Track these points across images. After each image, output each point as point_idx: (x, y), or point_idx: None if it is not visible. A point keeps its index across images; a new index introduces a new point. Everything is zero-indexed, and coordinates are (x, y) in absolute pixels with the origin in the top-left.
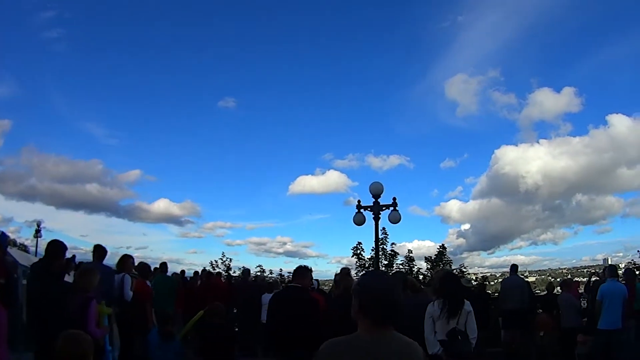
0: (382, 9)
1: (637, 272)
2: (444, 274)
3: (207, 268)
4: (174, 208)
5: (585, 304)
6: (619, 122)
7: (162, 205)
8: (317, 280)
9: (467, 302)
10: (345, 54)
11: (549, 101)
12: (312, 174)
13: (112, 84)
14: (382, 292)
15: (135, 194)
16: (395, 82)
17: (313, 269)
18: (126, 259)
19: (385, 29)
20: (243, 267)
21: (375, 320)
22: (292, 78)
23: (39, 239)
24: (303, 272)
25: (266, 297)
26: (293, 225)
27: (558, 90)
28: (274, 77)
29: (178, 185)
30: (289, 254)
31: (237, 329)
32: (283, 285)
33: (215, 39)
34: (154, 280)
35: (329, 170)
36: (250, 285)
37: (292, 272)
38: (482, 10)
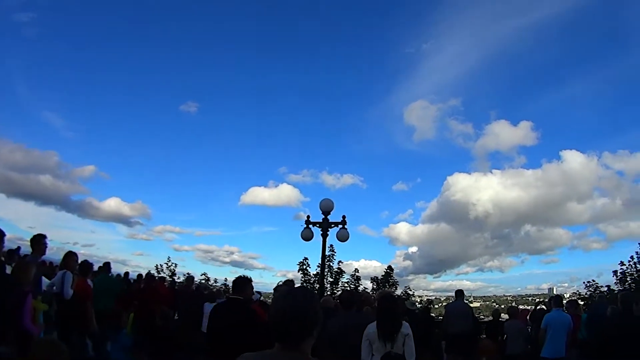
0: (350, 29)
1: (582, 303)
2: (382, 295)
3: (151, 272)
4: (124, 208)
5: (530, 332)
6: (572, 158)
7: (113, 203)
8: (259, 292)
9: (405, 325)
10: (309, 69)
11: (505, 133)
12: (265, 186)
13: (77, 76)
14: (284, 310)
15: (88, 190)
16: (356, 102)
17: (258, 281)
18: (70, 256)
19: (352, 48)
20: (188, 273)
21: (278, 338)
22: (255, 88)
23: None
24: (243, 283)
25: (208, 307)
26: (242, 236)
27: (515, 123)
28: (238, 85)
29: (131, 186)
30: (235, 263)
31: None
32: (226, 295)
33: (184, 41)
34: (95, 279)
35: (282, 183)
36: (192, 293)
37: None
38: (446, 40)
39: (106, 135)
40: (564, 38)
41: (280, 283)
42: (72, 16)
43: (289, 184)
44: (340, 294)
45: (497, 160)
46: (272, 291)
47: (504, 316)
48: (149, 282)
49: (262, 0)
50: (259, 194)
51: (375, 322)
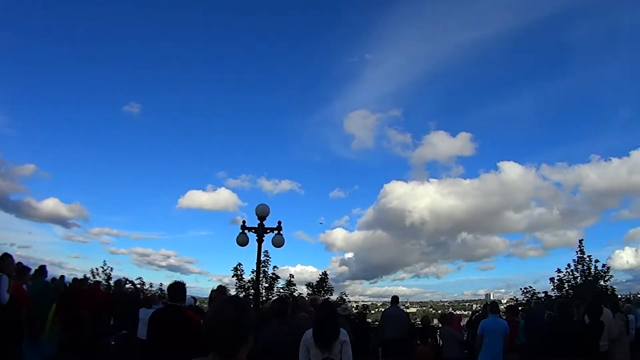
0: (295, 34)
1: (520, 309)
2: (320, 302)
3: (87, 275)
4: (62, 209)
5: (467, 338)
6: (510, 169)
7: (51, 204)
8: (194, 297)
9: (343, 332)
10: (251, 73)
11: (444, 143)
12: (203, 190)
13: (19, 73)
14: (218, 319)
15: (27, 189)
16: (297, 110)
17: (194, 286)
18: (5, 258)
19: (295, 54)
20: (125, 277)
21: (213, 347)
22: (198, 92)
23: None
24: (178, 290)
25: (143, 312)
26: (178, 239)
27: (454, 134)
28: (181, 88)
29: (70, 186)
30: (171, 268)
31: (113, 342)
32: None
33: (130, 41)
34: (32, 284)
35: (220, 187)
36: (128, 298)
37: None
38: (389, 51)
39: (48, 134)
40: (505, 54)
41: (214, 289)
42: (12, 12)
43: (227, 188)
44: (272, 304)
45: (435, 170)
46: (208, 297)
47: (437, 322)
48: (76, 287)
49: (206, 2)
50: (196, 198)
51: (311, 329)
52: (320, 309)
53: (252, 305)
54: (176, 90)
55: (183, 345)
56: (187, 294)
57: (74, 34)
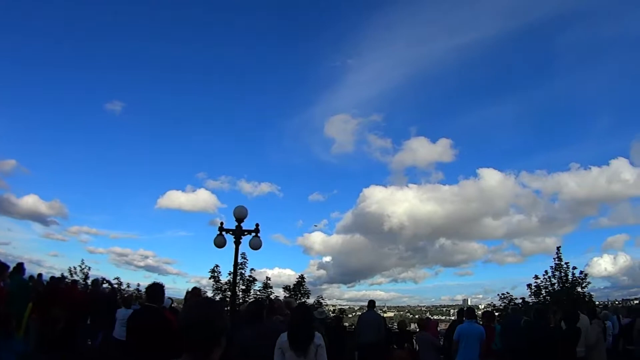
0: (279, 38)
1: (496, 314)
2: (295, 306)
3: (64, 274)
4: (42, 206)
5: (443, 343)
6: (490, 176)
7: (30, 201)
8: (171, 298)
9: (317, 335)
10: (234, 78)
11: (424, 149)
12: (183, 190)
13: (0, 69)
14: (191, 321)
15: (7, 185)
16: (278, 112)
17: (171, 287)
18: None
19: (279, 58)
20: (102, 277)
21: (186, 347)
22: (180, 92)
23: None
24: (157, 291)
25: (121, 312)
26: (157, 240)
27: (434, 140)
28: (164, 88)
29: (51, 183)
30: (149, 268)
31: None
32: (139, 302)
33: (113, 39)
34: (9, 281)
35: (200, 188)
36: (106, 297)
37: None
38: (372, 56)
39: (29, 130)
40: (487, 62)
41: (189, 290)
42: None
43: (207, 189)
44: (247, 306)
45: (414, 175)
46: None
47: (414, 326)
48: (53, 285)
49: (191, 3)
50: (176, 198)
51: (286, 332)
52: (295, 312)
53: (226, 308)
54: (158, 90)
55: (161, 346)
56: (165, 294)
57: (56, 30)
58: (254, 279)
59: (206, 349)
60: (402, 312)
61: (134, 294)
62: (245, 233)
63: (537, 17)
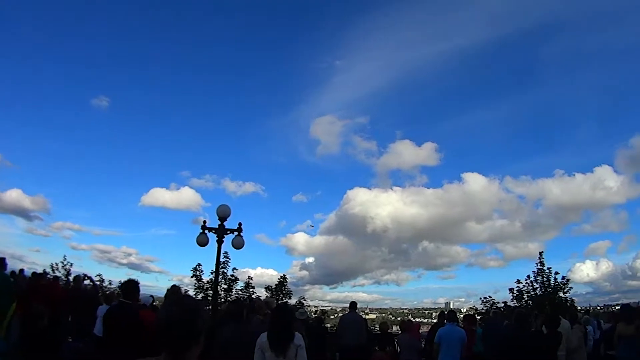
0: (266, 39)
1: (478, 318)
2: (275, 306)
3: (46, 270)
4: (25, 200)
5: (425, 346)
6: (474, 180)
7: (13, 195)
8: (152, 296)
9: (297, 336)
10: (221, 77)
11: (409, 152)
12: (167, 188)
13: None
14: (169, 319)
15: None
16: (264, 112)
17: (153, 285)
18: None
19: (266, 59)
20: (84, 274)
21: (164, 346)
22: (167, 90)
23: None
24: (130, 287)
25: (101, 309)
26: (140, 237)
27: (420, 144)
28: (150, 85)
29: (34, 177)
30: (132, 266)
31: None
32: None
33: (103, 33)
34: None
35: (184, 187)
36: (83, 294)
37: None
38: (359, 59)
39: (14, 123)
40: (474, 67)
41: (169, 288)
42: None
43: (191, 187)
44: (227, 306)
45: (398, 178)
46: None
47: (396, 329)
48: (34, 281)
49: (178, 2)
50: (160, 196)
51: (266, 332)
52: (276, 312)
53: (208, 307)
54: (145, 87)
55: (134, 341)
56: (147, 292)
57: (43, 25)
58: (236, 279)
59: (185, 347)
60: (384, 315)
61: (116, 292)
62: (228, 232)
63: (523, 25)
